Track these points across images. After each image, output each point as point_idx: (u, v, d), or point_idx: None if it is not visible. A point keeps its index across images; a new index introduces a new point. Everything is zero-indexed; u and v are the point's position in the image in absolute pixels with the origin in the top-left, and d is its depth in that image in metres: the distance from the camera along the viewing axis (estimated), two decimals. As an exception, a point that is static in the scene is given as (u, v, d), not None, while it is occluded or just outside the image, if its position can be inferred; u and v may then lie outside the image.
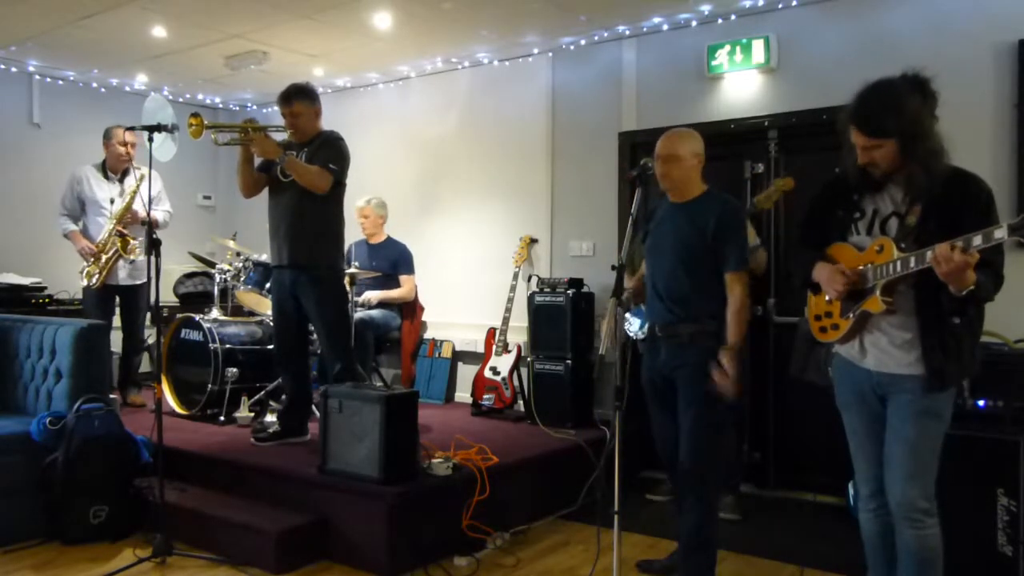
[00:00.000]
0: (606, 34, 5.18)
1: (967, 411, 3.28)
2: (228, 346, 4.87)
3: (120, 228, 5.11)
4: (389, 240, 5.68)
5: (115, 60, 5.89)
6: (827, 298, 2.56)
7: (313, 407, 4.47)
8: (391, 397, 3.51)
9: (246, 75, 6.10)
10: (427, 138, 6.16)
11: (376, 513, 3.42)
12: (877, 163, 2.40)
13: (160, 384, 3.81)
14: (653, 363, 3.16)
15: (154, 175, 3.77)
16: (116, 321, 5.26)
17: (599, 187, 5.30)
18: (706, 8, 4.69)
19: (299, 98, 4.17)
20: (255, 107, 7.24)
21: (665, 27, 4.97)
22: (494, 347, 5.38)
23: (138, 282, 5.26)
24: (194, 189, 7.20)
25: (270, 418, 4.59)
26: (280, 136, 4.32)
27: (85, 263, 5.15)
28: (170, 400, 5.02)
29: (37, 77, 6.23)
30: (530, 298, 5.17)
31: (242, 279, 5.07)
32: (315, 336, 4.56)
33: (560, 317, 5.01)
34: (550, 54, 5.52)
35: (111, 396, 4.46)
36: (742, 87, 4.75)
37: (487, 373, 5.36)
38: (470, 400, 5.47)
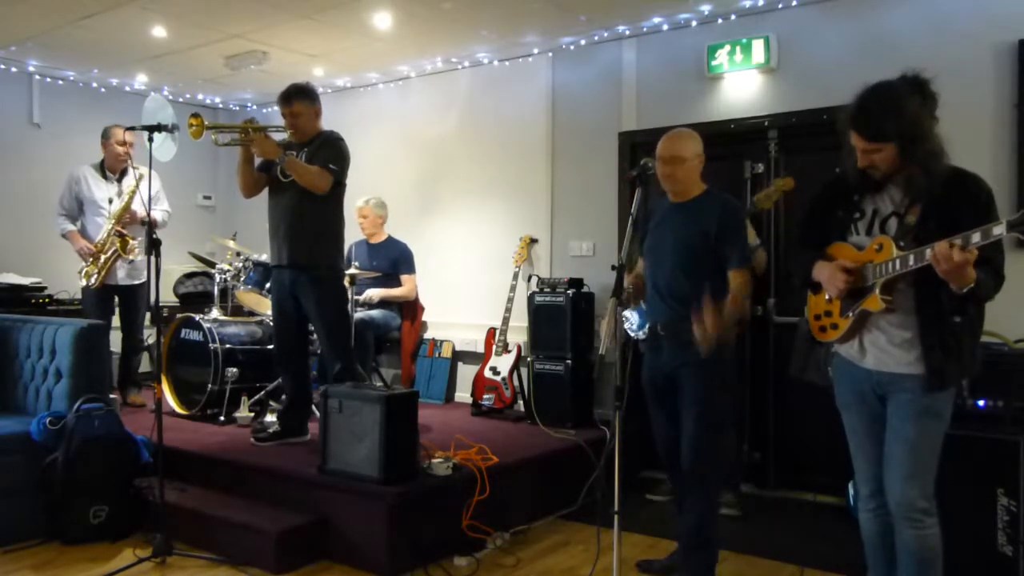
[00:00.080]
0: (606, 34, 5.18)
1: (967, 411, 3.28)
2: (228, 346, 4.87)
3: (119, 228, 5.11)
4: (390, 240, 5.68)
5: (115, 60, 5.89)
6: (827, 297, 2.56)
7: (313, 407, 4.47)
8: (391, 397, 3.51)
9: (246, 75, 6.10)
10: (427, 138, 6.16)
11: (376, 513, 3.42)
12: (877, 166, 2.41)
13: (160, 384, 3.80)
14: (655, 362, 3.16)
15: (153, 175, 3.77)
16: (115, 321, 5.26)
17: (599, 187, 5.30)
18: (706, 8, 4.69)
19: (299, 98, 4.17)
20: (255, 107, 7.23)
21: (665, 27, 4.97)
22: (494, 347, 5.38)
23: (137, 282, 5.26)
24: (194, 189, 7.20)
25: (270, 418, 4.59)
26: (280, 136, 4.32)
27: (84, 263, 5.15)
28: (170, 400, 5.02)
29: (37, 77, 6.23)
30: (530, 298, 5.17)
31: (242, 279, 5.07)
32: (315, 336, 4.57)
33: (560, 317, 5.02)
34: (550, 54, 5.52)
35: (111, 396, 4.46)
36: (742, 87, 4.75)
37: (487, 373, 5.36)
38: (470, 400, 5.47)
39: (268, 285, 4.77)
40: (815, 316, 2.63)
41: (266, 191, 4.32)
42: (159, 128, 3.64)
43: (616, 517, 2.70)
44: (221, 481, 3.99)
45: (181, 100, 6.96)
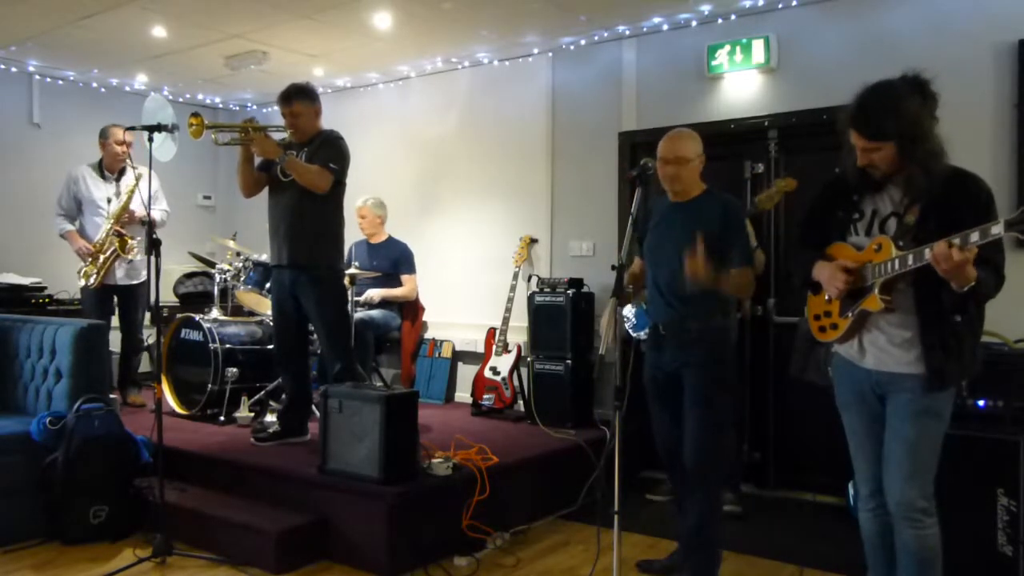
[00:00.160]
0: (606, 34, 5.18)
1: (967, 411, 3.28)
2: (228, 346, 4.87)
3: (117, 228, 5.10)
4: (390, 240, 5.68)
5: (115, 60, 5.89)
6: (826, 297, 2.56)
7: (313, 407, 4.47)
8: (391, 397, 3.51)
9: (246, 75, 6.10)
10: (427, 138, 6.16)
11: (376, 513, 3.42)
12: (876, 165, 2.41)
13: (160, 384, 3.80)
14: (656, 361, 3.17)
15: (151, 174, 3.78)
16: (115, 321, 5.26)
17: (599, 187, 5.30)
18: (706, 8, 4.69)
19: (299, 98, 4.17)
20: (255, 107, 7.23)
21: (665, 27, 4.97)
22: (494, 347, 5.38)
23: (135, 281, 5.26)
24: (194, 189, 7.20)
25: (270, 418, 4.58)
26: (280, 136, 4.32)
27: (82, 263, 5.15)
28: (170, 400, 5.02)
29: (37, 77, 6.23)
30: (530, 298, 5.17)
31: (242, 279, 5.07)
32: (315, 336, 4.57)
33: (560, 317, 5.02)
34: (550, 54, 5.52)
35: (111, 396, 4.46)
36: (742, 87, 4.75)
37: (487, 373, 5.36)
38: (470, 400, 5.47)
39: (268, 285, 4.77)
40: (815, 316, 2.63)
41: (266, 191, 4.32)
42: (159, 128, 3.65)
43: (616, 517, 2.70)
44: (221, 481, 3.99)
45: (181, 100, 6.96)
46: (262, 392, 5.00)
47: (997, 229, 2.09)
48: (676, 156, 3.08)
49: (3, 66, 6.01)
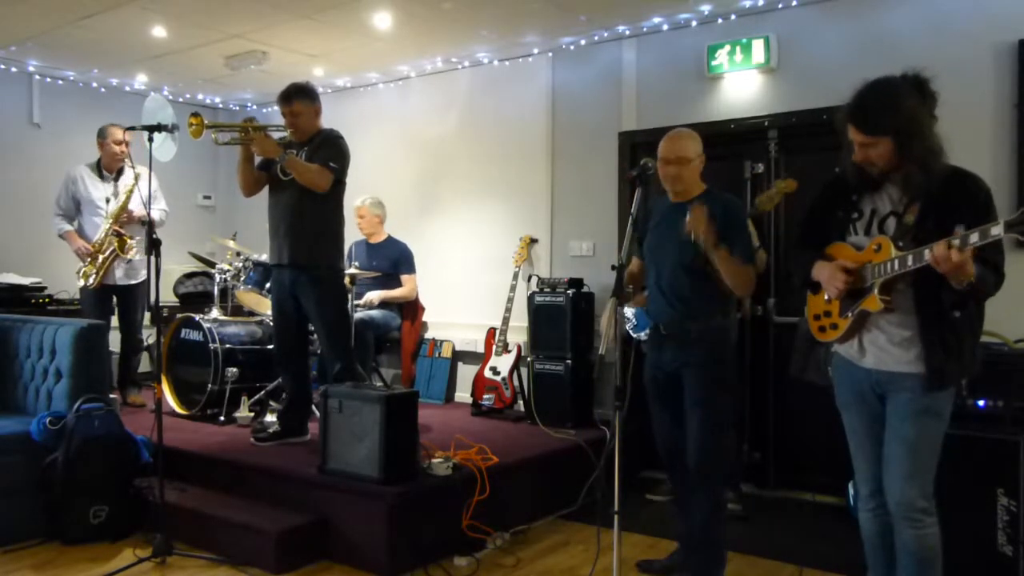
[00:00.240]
0: (606, 34, 5.18)
1: (967, 411, 3.28)
2: (228, 346, 4.87)
3: (116, 228, 5.10)
4: (389, 239, 5.68)
5: (115, 60, 5.89)
6: (826, 297, 2.56)
7: (313, 407, 4.47)
8: (391, 397, 3.51)
9: (246, 75, 6.10)
10: (427, 138, 6.16)
11: (376, 513, 3.42)
12: (873, 161, 2.41)
13: (160, 384, 3.80)
14: (657, 361, 3.17)
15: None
16: (114, 321, 5.26)
17: (599, 187, 5.30)
18: (706, 8, 4.69)
19: (299, 97, 4.17)
20: (255, 107, 7.23)
21: (665, 27, 4.97)
22: (494, 347, 5.38)
23: (134, 281, 5.26)
24: (194, 189, 7.20)
25: (270, 418, 4.58)
26: (280, 135, 4.32)
27: (82, 263, 5.15)
28: (170, 400, 5.02)
29: (37, 77, 6.23)
30: (530, 298, 5.17)
31: (242, 279, 5.07)
32: (315, 336, 4.56)
33: (560, 317, 5.02)
34: (550, 54, 5.52)
35: (111, 396, 4.46)
36: (742, 87, 4.75)
37: (487, 373, 5.36)
38: (470, 400, 5.47)
39: (268, 285, 4.77)
40: (814, 316, 2.63)
41: (266, 190, 4.32)
42: (159, 128, 3.64)
43: (616, 517, 2.70)
44: (221, 481, 3.99)
45: (181, 100, 6.96)
46: (262, 392, 5.00)
47: (997, 230, 2.09)
48: (677, 156, 3.08)
49: (3, 66, 6.01)
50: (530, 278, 5.33)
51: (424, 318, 5.90)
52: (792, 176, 3.98)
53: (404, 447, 3.54)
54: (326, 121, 4.38)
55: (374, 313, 5.40)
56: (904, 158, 2.35)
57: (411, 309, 5.69)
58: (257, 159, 4.25)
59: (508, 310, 5.33)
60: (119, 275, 5.18)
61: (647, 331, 3.34)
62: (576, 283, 5.09)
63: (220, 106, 7.28)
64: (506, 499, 3.86)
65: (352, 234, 5.19)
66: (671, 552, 3.46)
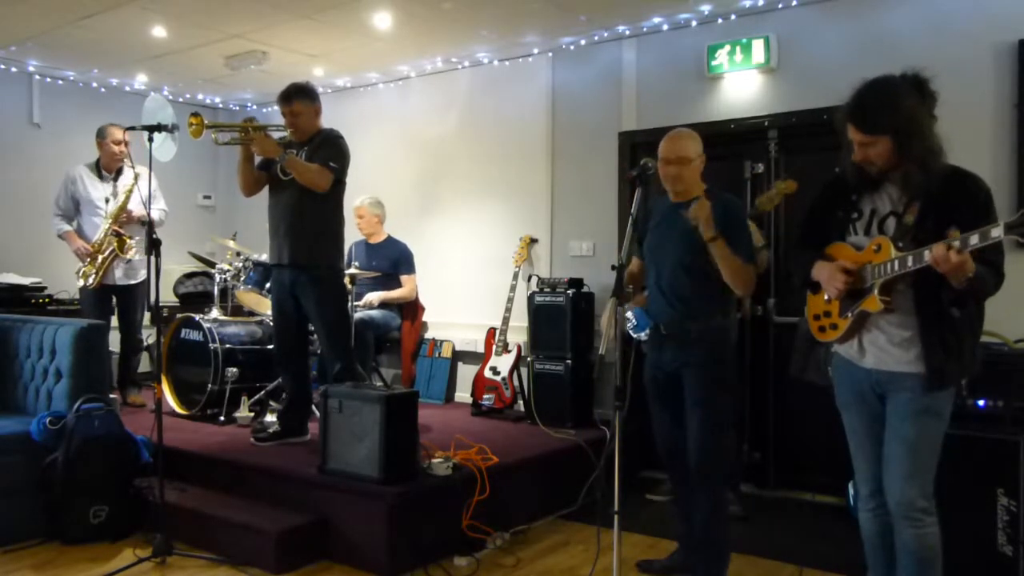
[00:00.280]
0: (606, 34, 5.18)
1: (967, 411, 3.28)
2: (228, 346, 4.87)
3: (116, 228, 5.10)
4: (389, 239, 5.68)
5: (115, 60, 5.89)
6: (826, 297, 2.56)
7: (313, 407, 4.47)
8: (391, 397, 3.51)
9: (246, 75, 6.10)
10: (427, 138, 6.16)
11: (376, 513, 3.42)
12: (872, 160, 2.41)
13: (160, 384, 3.81)
14: (657, 361, 3.17)
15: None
16: (114, 321, 5.25)
17: (599, 187, 5.30)
18: (706, 8, 4.69)
19: (299, 97, 4.17)
20: (255, 107, 7.23)
21: (665, 27, 4.97)
22: (494, 347, 5.38)
23: (134, 281, 5.26)
24: (194, 189, 7.20)
25: (270, 418, 4.58)
26: (280, 135, 4.32)
27: (81, 263, 5.15)
28: (170, 400, 5.02)
29: (37, 77, 6.23)
30: (530, 298, 5.17)
31: (242, 279, 5.07)
32: (315, 336, 4.56)
33: (560, 317, 5.01)
34: (550, 54, 5.52)
35: (111, 396, 4.46)
36: (742, 87, 4.75)
37: (487, 373, 5.36)
38: (470, 400, 5.47)
39: (268, 285, 4.77)
40: (814, 316, 2.63)
41: (266, 190, 4.32)
42: (159, 128, 3.64)
43: (616, 517, 2.70)
44: (221, 481, 3.99)
45: (181, 100, 6.96)
46: (262, 392, 5.00)
47: (997, 232, 2.09)
48: (678, 156, 3.08)
49: (3, 66, 6.01)
50: (530, 278, 5.33)
51: (424, 318, 5.90)
52: (792, 176, 3.99)
53: (404, 447, 3.54)
54: (326, 121, 4.38)
55: (374, 313, 5.39)
56: (903, 157, 2.35)
57: (411, 309, 5.69)
58: (257, 159, 4.25)
59: (508, 310, 5.33)
60: (119, 275, 5.18)
61: (647, 331, 3.34)
62: (576, 283, 5.09)
63: (220, 106, 7.28)
64: (506, 499, 3.86)
65: (352, 234, 5.19)
66: (671, 552, 3.46)
